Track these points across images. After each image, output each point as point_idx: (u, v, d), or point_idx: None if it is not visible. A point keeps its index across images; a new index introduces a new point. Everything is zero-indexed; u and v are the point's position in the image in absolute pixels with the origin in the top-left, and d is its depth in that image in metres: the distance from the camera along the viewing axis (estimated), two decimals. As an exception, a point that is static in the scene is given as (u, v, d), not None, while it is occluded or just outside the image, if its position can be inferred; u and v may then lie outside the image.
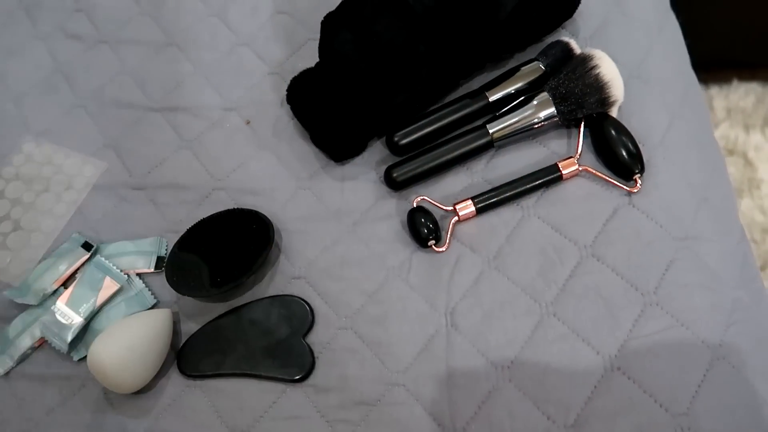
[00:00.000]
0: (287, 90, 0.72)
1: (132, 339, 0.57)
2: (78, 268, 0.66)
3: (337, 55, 0.68)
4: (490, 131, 0.67)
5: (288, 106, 0.74)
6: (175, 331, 0.62)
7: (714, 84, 1.30)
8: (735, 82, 1.31)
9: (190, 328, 0.63)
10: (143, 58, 0.82)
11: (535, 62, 0.71)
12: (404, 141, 0.69)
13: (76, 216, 0.71)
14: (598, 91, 0.66)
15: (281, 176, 0.71)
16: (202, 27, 0.83)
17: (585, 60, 0.67)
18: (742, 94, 1.30)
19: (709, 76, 1.29)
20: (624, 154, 0.65)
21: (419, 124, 0.70)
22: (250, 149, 0.73)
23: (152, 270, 0.66)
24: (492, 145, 0.68)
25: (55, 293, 0.65)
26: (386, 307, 0.62)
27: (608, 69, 0.66)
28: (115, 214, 0.71)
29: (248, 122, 0.75)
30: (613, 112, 0.68)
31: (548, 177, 0.66)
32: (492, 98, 0.70)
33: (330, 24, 0.68)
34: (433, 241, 0.64)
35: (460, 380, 0.57)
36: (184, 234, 0.65)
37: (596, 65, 0.66)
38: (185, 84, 0.79)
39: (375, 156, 0.72)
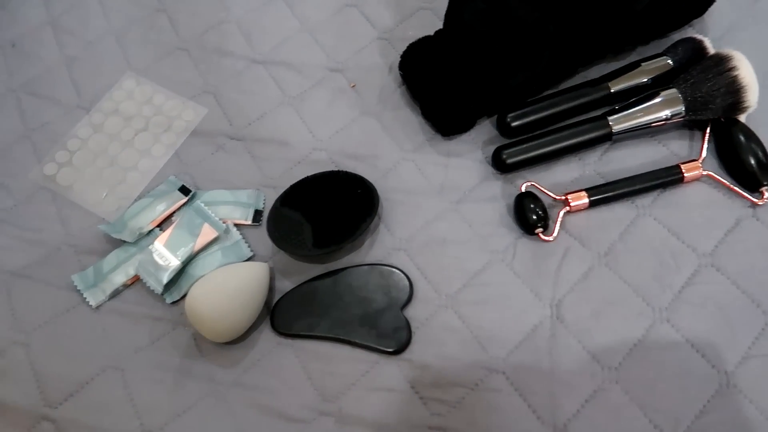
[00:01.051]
0: (401, 56, 0.70)
1: (231, 288, 0.56)
2: (174, 212, 0.65)
3: (464, 26, 0.65)
4: (611, 123, 0.64)
5: (395, 73, 0.72)
6: (270, 287, 0.61)
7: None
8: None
9: (284, 285, 0.62)
10: (249, 9, 0.80)
11: (663, 57, 0.68)
12: (517, 123, 0.67)
13: (172, 159, 0.70)
14: (733, 94, 0.63)
15: (384, 144, 0.69)
16: (312, -17, 0.81)
17: (722, 60, 0.64)
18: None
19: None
20: (753, 163, 0.62)
21: (535, 107, 0.67)
22: (354, 113, 0.71)
23: (249, 222, 0.64)
24: (610, 137, 0.65)
25: (150, 234, 0.64)
26: (489, 291, 0.60)
27: (746, 72, 0.63)
28: (212, 161, 0.70)
29: (353, 85, 0.73)
30: (742, 119, 0.65)
31: (668, 177, 0.63)
32: (614, 89, 0.67)
33: (462, -10, 0.65)
34: (541, 229, 0.62)
35: (563, 375, 0.55)
36: (287, 190, 0.63)
37: (734, 67, 0.63)
38: (291, 40, 0.77)
39: (482, 135, 0.69)
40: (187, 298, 0.56)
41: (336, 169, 0.66)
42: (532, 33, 0.64)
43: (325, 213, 0.61)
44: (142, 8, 0.82)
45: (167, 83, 0.75)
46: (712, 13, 0.72)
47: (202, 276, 0.59)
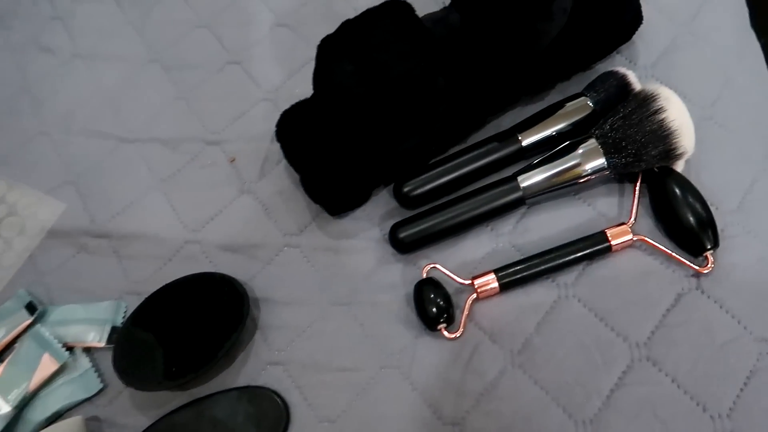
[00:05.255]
0: (277, 125, 0.60)
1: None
2: (18, 336, 0.56)
3: (337, 87, 0.55)
4: (522, 184, 0.54)
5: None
6: (123, 426, 0.51)
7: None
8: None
9: (140, 423, 0.52)
10: (121, 78, 0.70)
11: (582, 98, 0.57)
12: (416, 192, 0.57)
13: (27, 265, 0.61)
14: (662, 140, 0.52)
15: (265, 229, 0.59)
16: (190, 40, 0.72)
17: (647, 100, 0.53)
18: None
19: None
20: (692, 221, 0.51)
21: (435, 172, 0.58)
22: (232, 193, 0.61)
23: (103, 345, 0.55)
24: (523, 201, 0.55)
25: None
26: (378, 410, 0.50)
27: (677, 113, 0.52)
28: (72, 265, 0.60)
29: (233, 160, 0.63)
30: (679, 167, 0.54)
31: (593, 248, 0.52)
32: (525, 142, 0.57)
33: (328, 49, 0.55)
34: (444, 324, 0.51)
35: None
36: (140, 305, 0.53)
37: (661, 108, 0.52)
38: (166, 111, 0.67)
39: (380, 208, 0.59)
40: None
41: (210, 264, 0.57)
42: (419, 89, 0.54)
43: (182, 332, 0.51)
44: (4, 87, 0.73)
45: (26, 175, 0.66)
46: (643, 34, 0.61)
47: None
